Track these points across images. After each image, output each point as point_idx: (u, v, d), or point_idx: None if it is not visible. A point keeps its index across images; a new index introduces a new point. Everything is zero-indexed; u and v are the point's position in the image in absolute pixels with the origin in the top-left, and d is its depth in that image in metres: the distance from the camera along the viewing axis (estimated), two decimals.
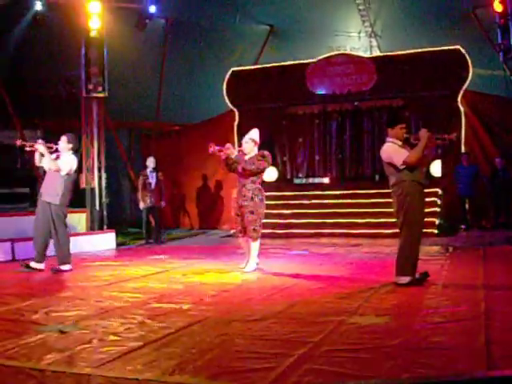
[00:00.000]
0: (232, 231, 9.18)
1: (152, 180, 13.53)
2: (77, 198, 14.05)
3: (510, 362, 3.92)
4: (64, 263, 8.83)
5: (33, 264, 8.83)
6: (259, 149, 8.61)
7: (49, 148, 8.85)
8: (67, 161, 8.83)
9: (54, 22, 14.52)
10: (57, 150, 8.94)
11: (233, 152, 8.43)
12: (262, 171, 8.60)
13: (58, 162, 8.76)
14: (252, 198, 8.33)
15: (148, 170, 13.64)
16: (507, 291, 6.56)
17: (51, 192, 8.74)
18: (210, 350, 4.35)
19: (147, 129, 18.24)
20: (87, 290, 7.13)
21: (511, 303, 5.97)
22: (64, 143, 8.90)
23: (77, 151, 9.12)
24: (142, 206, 13.66)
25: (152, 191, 13.50)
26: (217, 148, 8.35)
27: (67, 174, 8.81)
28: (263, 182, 8.72)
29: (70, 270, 8.82)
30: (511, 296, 6.37)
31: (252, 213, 8.31)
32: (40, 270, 8.78)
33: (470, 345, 4.38)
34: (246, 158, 8.43)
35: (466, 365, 3.89)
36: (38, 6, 14.79)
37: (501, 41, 14.16)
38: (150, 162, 13.67)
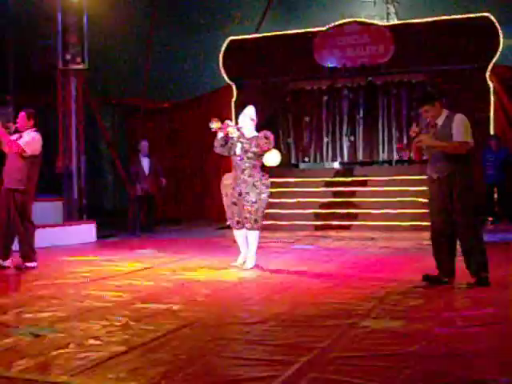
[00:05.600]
0: (227, 222, 9.16)
1: (145, 166, 13.75)
2: (52, 184, 14.11)
3: None
4: (30, 260, 8.78)
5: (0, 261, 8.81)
6: (259, 129, 8.60)
7: (7, 127, 8.73)
8: (30, 140, 8.70)
9: None
10: (16, 130, 8.83)
11: (234, 131, 8.40)
12: (263, 154, 8.59)
13: (19, 142, 8.65)
14: (254, 184, 8.29)
15: (141, 155, 13.83)
16: None
17: (15, 177, 8.58)
18: (202, 355, 4.36)
19: (133, 106, 18.20)
20: (64, 289, 7.13)
21: None
22: (23, 120, 8.78)
23: (37, 129, 8.94)
24: (139, 192, 13.83)
25: (145, 178, 13.69)
26: (220, 124, 8.34)
27: (32, 156, 8.71)
28: (264, 167, 8.70)
29: (36, 267, 8.79)
30: None
31: (254, 202, 8.27)
32: (6, 268, 8.75)
33: (496, 351, 4.39)
34: (247, 137, 8.42)
35: (492, 374, 3.90)
36: None
37: None
38: (144, 147, 13.88)
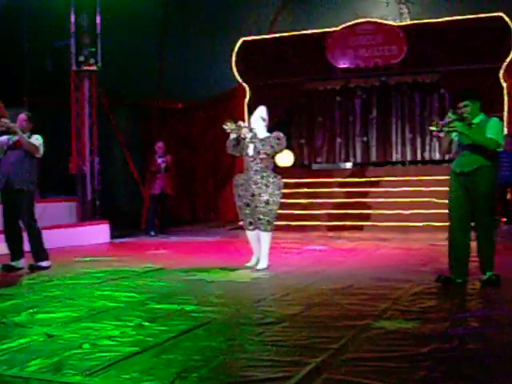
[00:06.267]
0: (240, 223, 9.16)
1: (162, 165, 13.88)
2: (66, 185, 14.17)
3: None
4: (42, 259, 8.83)
5: (13, 263, 8.81)
6: (272, 129, 8.60)
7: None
8: (39, 142, 8.75)
9: None
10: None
11: (248, 132, 8.40)
12: (275, 155, 8.60)
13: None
14: (267, 185, 8.28)
15: (157, 156, 13.97)
16: None
17: (25, 178, 8.63)
18: (215, 356, 4.36)
19: (146, 107, 18.23)
20: (77, 289, 7.15)
21: None
22: (26, 123, 8.78)
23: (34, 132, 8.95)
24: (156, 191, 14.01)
25: (161, 177, 13.82)
26: (234, 126, 8.34)
27: (37, 158, 8.78)
28: (276, 168, 8.70)
29: (49, 266, 8.85)
30: None
31: (267, 203, 8.26)
32: (20, 269, 8.78)
33: (511, 352, 4.37)
34: (259, 138, 8.41)
35: (509, 376, 3.88)
36: None
37: None
38: (159, 148, 14.02)
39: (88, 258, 9.95)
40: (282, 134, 8.44)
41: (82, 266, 9.07)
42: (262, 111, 8.65)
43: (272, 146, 8.28)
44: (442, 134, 7.22)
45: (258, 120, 8.53)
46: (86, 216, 13.64)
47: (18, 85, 15.38)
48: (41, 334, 5.04)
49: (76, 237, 12.14)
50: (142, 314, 5.74)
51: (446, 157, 14.54)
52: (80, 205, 13.70)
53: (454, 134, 7.10)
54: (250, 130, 8.44)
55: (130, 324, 5.33)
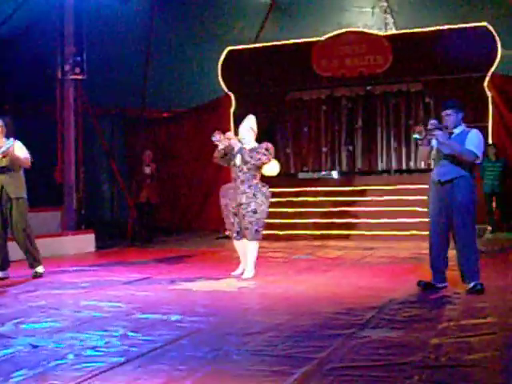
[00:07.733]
0: (227, 233, 9.15)
1: (148, 173, 13.93)
2: (51, 194, 14.10)
3: None
4: (40, 264, 8.91)
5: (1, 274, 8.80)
6: (258, 139, 8.61)
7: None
8: (24, 150, 8.66)
9: None
10: None
11: (236, 143, 8.40)
12: (263, 165, 8.60)
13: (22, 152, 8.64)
14: (254, 194, 8.28)
15: (144, 165, 14.01)
16: None
17: (17, 185, 8.68)
18: (201, 366, 4.35)
19: (132, 116, 18.20)
20: (62, 299, 7.13)
21: None
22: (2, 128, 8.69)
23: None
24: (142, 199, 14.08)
25: (147, 186, 13.83)
26: (222, 136, 8.35)
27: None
28: (262, 177, 8.70)
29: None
30: None
31: (255, 212, 8.26)
32: (5, 279, 8.77)
33: (496, 361, 4.38)
34: (248, 149, 8.41)
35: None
36: None
37: None
38: (147, 156, 14.09)
39: (73, 268, 9.92)
40: (270, 145, 8.45)
41: (67, 276, 9.05)
42: (251, 121, 8.64)
43: (260, 158, 8.28)
44: (420, 142, 7.29)
45: (247, 130, 8.53)
46: (71, 225, 13.57)
47: (1, 93, 15.32)
48: (25, 344, 5.02)
49: (61, 246, 12.09)
50: (127, 323, 5.73)
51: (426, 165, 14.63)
52: (65, 214, 13.62)
53: (434, 142, 7.17)
54: (239, 140, 8.45)
55: (115, 334, 5.32)
